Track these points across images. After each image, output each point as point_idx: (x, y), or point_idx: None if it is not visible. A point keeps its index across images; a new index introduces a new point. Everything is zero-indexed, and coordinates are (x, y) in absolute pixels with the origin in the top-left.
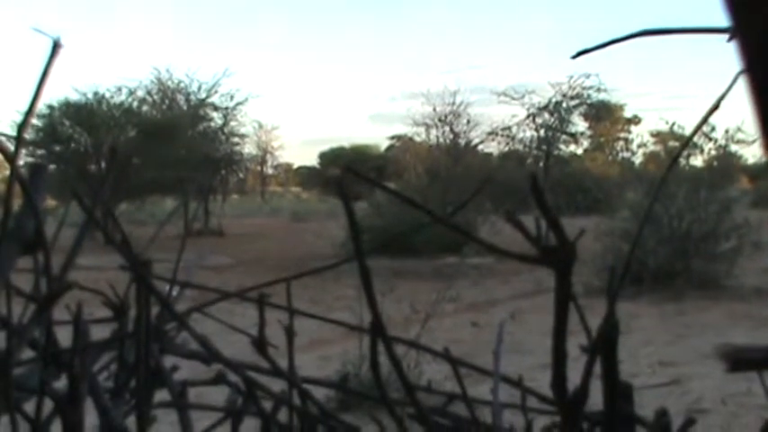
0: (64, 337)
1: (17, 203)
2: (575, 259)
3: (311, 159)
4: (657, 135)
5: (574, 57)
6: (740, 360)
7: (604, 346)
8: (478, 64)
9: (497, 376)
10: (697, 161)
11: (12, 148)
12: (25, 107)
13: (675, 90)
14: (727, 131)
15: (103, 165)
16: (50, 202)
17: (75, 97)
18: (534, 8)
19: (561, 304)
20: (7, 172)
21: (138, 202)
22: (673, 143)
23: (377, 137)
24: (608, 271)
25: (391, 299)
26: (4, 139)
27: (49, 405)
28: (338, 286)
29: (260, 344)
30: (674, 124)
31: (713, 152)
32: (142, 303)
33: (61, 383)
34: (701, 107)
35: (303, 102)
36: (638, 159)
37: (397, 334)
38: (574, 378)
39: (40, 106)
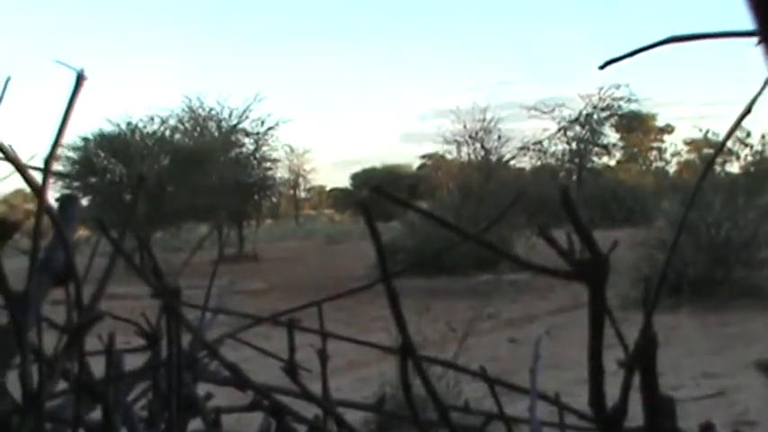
0: (97, 367)
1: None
2: (608, 273)
3: (343, 181)
4: (691, 143)
5: (601, 67)
6: None
7: (642, 359)
8: (507, 79)
9: (534, 394)
10: (733, 168)
11: (40, 180)
12: (52, 139)
13: (708, 97)
14: (763, 136)
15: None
16: (83, 233)
17: (108, 128)
18: (561, 21)
19: (596, 319)
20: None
21: (173, 230)
22: (707, 151)
23: (408, 156)
24: (644, 282)
25: (427, 318)
26: (33, 172)
27: None
28: (374, 307)
29: (290, 369)
30: (707, 132)
31: (749, 158)
32: (173, 331)
33: (95, 414)
34: (735, 113)
35: (333, 124)
36: (672, 168)
37: (435, 353)
38: (613, 393)
39: (75, 139)
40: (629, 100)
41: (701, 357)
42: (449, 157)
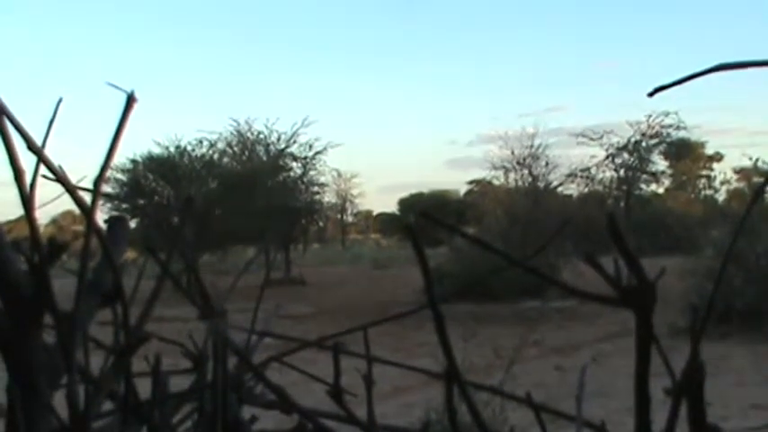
0: (144, 388)
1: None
2: (655, 300)
3: (390, 206)
4: (741, 171)
5: (650, 94)
6: None
7: (690, 388)
8: (556, 106)
9: (580, 421)
10: None
11: (89, 202)
12: (101, 161)
13: (759, 125)
14: None
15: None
16: (130, 254)
17: (157, 151)
18: (609, 48)
19: (642, 346)
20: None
21: (220, 253)
22: (757, 179)
23: (455, 182)
24: (691, 311)
25: (474, 344)
26: (83, 193)
27: None
28: (420, 333)
29: (336, 393)
30: (757, 160)
31: None
32: (219, 354)
33: None
34: None
35: (381, 149)
36: (721, 197)
37: (480, 379)
38: (660, 422)
39: (124, 160)
40: (677, 127)
41: (749, 388)
42: (496, 183)
